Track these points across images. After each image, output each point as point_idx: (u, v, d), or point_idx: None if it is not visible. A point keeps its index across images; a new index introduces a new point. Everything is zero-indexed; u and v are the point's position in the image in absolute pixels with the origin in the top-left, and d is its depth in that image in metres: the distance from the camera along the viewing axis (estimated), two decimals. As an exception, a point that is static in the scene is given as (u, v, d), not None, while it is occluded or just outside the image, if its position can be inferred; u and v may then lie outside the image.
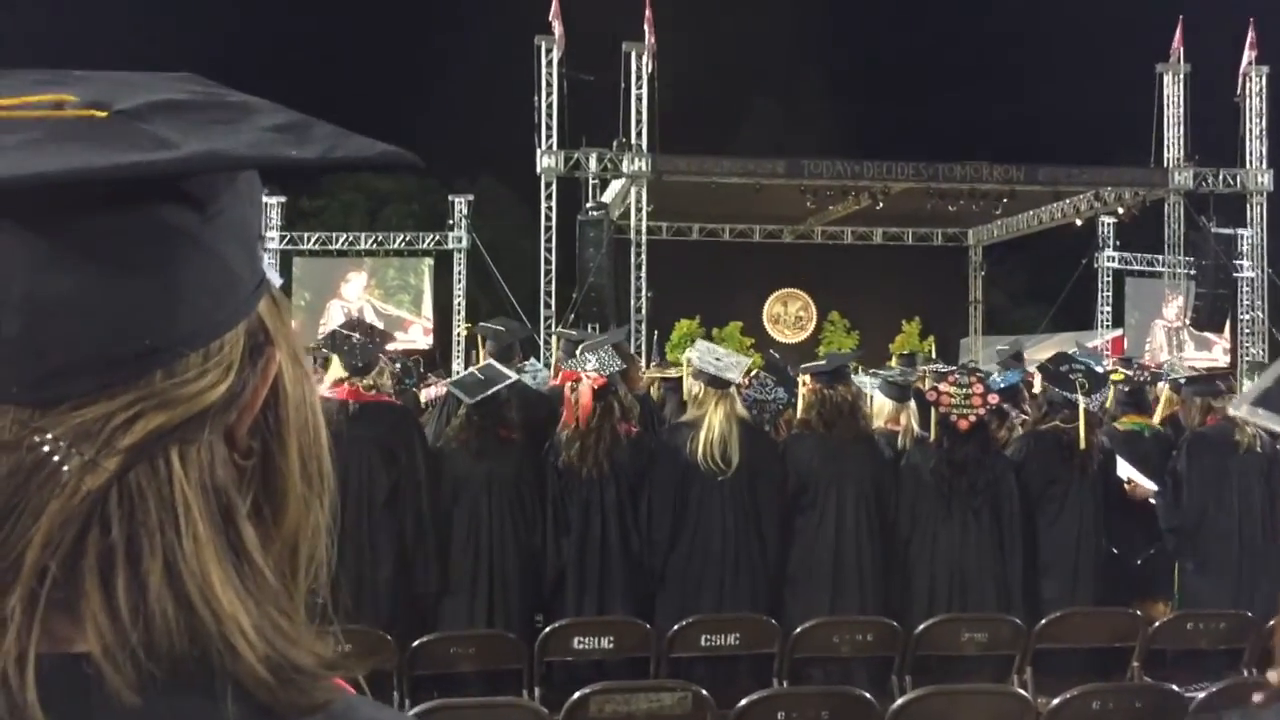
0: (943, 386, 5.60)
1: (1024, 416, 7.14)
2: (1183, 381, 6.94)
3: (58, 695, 0.65)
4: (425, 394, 8.79)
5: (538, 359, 13.57)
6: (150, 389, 0.68)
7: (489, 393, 5.38)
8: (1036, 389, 6.95)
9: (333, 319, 19.09)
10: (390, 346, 6.53)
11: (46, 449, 0.66)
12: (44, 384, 0.66)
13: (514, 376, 5.79)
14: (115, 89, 0.70)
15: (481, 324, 8.16)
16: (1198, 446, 6.02)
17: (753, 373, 6.71)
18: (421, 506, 5.43)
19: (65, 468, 0.66)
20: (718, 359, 5.48)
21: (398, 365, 7.62)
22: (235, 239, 0.72)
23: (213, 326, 0.70)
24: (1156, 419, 7.16)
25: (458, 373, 14.94)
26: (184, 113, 0.69)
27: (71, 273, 0.65)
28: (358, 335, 5.73)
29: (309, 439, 0.78)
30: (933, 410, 5.59)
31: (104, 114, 0.67)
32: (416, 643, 4.63)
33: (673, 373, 8.16)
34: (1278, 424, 1.04)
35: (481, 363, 6.05)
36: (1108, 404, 6.82)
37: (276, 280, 0.78)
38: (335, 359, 5.59)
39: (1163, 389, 7.93)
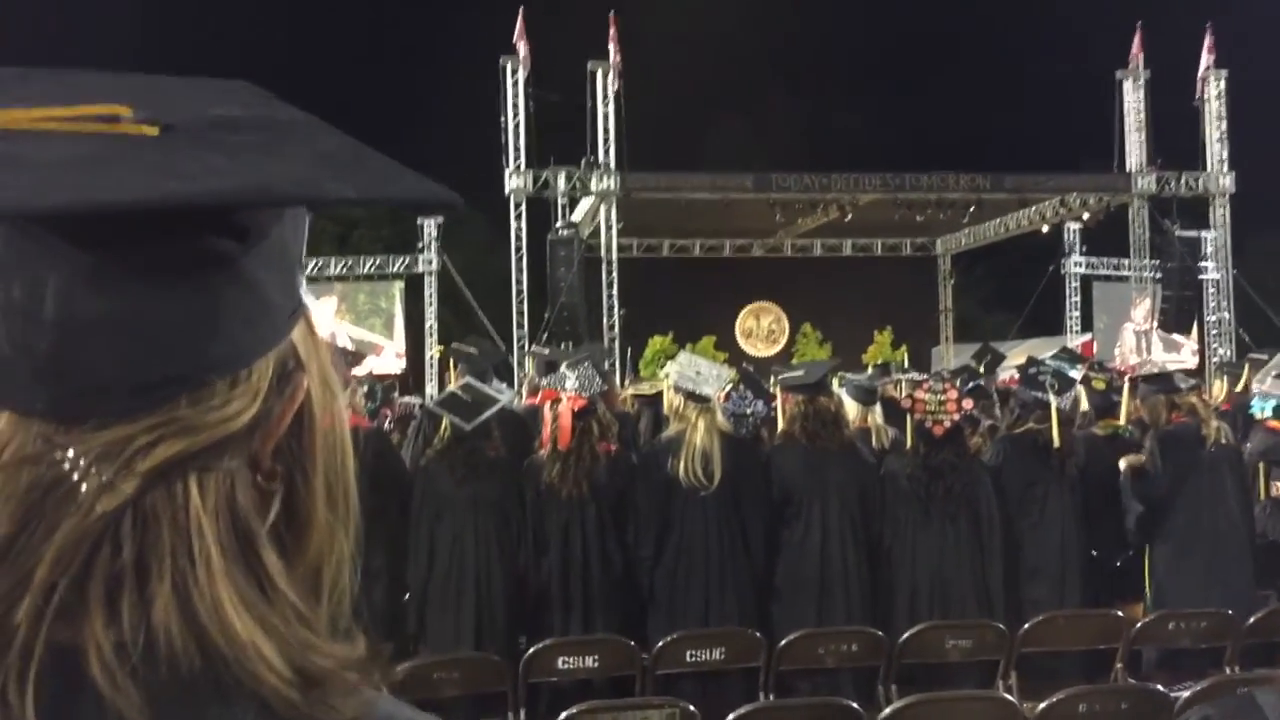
0: (918, 394, 5.63)
1: (991, 422, 7.18)
2: (1142, 380, 6.92)
3: (57, 713, 0.65)
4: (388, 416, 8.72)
5: (512, 380, 13.53)
6: (173, 414, 0.67)
7: (485, 417, 5.35)
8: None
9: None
10: (363, 371, 6.51)
11: (66, 466, 0.66)
12: (69, 402, 0.66)
13: (502, 399, 5.77)
14: (171, 101, 0.69)
15: (454, 345, 8.11)
16: (1167, 444, 6.04)
17: (727, 387, 6.71)
18: (408, 528, 5.42)
19: (83, 487, 0.66)
20: (698, 372, 5.46)
21: (364, 388, 7.59)
22: (275, 266, 0.71)
23: (243, 354, 0.70)
24: (1122, 420, 7.19)
25: (432, 396, 14.84)
26: (236, 133, 0.68)
27: (107, 294, 0.65)
28: (326, 357, 5.72)
29: (336, 465, 0.78)
30: (909, 417, 5.62)
31: (155, 130, 0.67)
32: (400, 667, 4.59)
33: (647, 389, 8.15)
34: None
35: (457, 382, 6.00)
36: (1082, 406, 6.85)
37: (313, 303, 0.78)
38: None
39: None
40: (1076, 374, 7.36)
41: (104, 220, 0.64)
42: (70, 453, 0.66)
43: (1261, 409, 6.70)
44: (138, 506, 0.66)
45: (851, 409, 6.58)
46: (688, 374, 5.48)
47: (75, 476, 0.66)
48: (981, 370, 9.82)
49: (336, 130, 0.73)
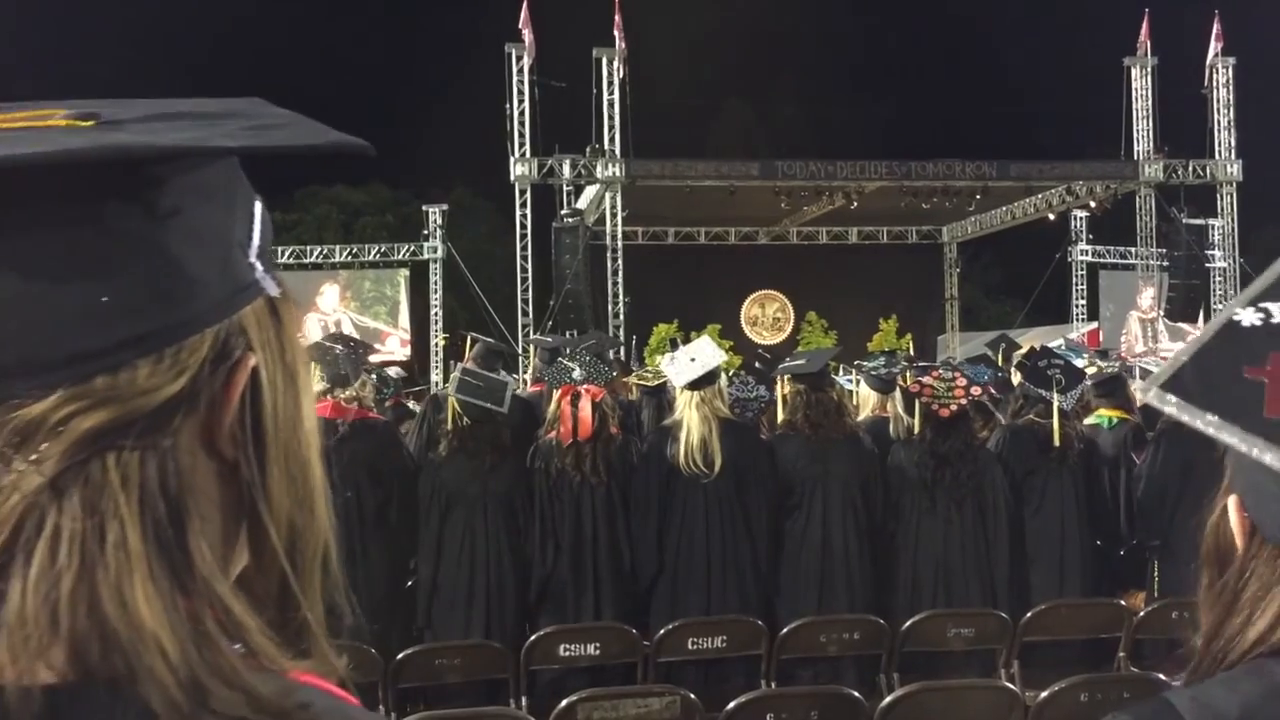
0: (925, 380, 5.63)
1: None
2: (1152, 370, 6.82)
3: None
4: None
5: (518, 370, 13.54)
6: (87, 389, 0.66)
7: (509, 396, 5.35)
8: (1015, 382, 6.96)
9: (309, 333, 19.03)
10: (370, 358, 6.51)
11: None
12: None
13: (508, 377, 5.79)
14: (124, 108, 0.69)
15: (475, 334, 8.25)
16: (1168, 436, 6.00)
17: (731, 371, 6.70)
18: (412, 522, 5.42)
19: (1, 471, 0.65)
20: (691, 358, 5.42)
21: (374, 377, 7.61)
22: (196, 242, 0.70)
23: (163, 331, 0.68)
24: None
25: (438, 384, 14.85)
26: (166, 120, 0.68)
27: (10, 273, 0.64)
28: (340, 347, 5.69)
29: (296, 454, 0.77)
30: (916, 401, 5.61)
31: (89, 123, 0.67)
32: (402, 655, 4.60)
33: (650, 378, 8.14)
34: (1185, 414, 0.87)
35: (460, 369, 5.98)
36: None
37: (274, 290, 0.76)
38: (315, 372, 5.57)
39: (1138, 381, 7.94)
40: (1083, 363, 7.34)
41: (7, 200, 0.64)
42: None
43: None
44: (55, 487, 0.65)
45: (870, 397, 6.61)
46: (682, 358, 5.46)
47: None
48: (1000, 360, 9.83)
49: (280, 111, 0.72)
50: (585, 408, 5.31)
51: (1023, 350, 9.48)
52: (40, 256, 0.65)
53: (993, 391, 6.95)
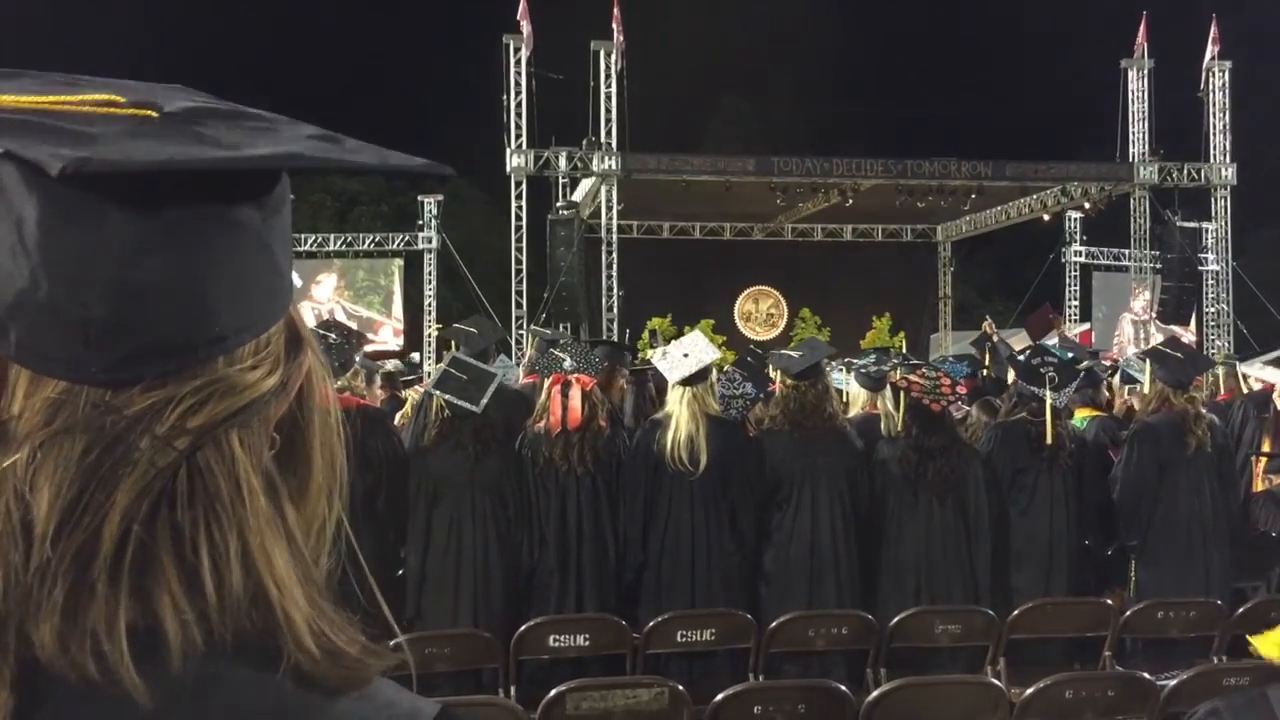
0: (913, 377, 5.65)
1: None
2: (1158, 359, 6.23)
3: (144, 662, 0.69)
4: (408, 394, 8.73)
5: (509, 356, 13.53)
6: (214, 374, 0.72)
7: (490, 392, 5.31)
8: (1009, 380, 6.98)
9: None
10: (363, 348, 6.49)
11: (122, 428, 0.69)
12: (123, 365, 0.70)
13: (498, 372, 5.76)
14: (146, 94, 0.73)
15: (454, 325, 8.12)
16: (1142, 435, 6.01)
17: (724, 368, 6.71)
18: (402, 510, 5.41)
19: (138, 446, 0.69)
20: (684, 354, 5.43)
21: (363, 369, 7.60)
22: (283, 240, 0.77)
23: (265, 319, 0.75)
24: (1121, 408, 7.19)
25: (428, 375, 14.80)
26: (221, 119, 0.73)
27: (157, 259, 0.69)
28: (334, 335, 5.69)
29: (330, 434, 0.83)
30: (903, 396, 5.62)
31: (155, 114, 0.71)
32: (390, 644, 4.59)
33: (637, 365, 8.14)
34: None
35: (445, 360, 5.94)
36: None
37: (297, 284, 0.82)
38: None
39: (1116, 381, 7.95)
40: (1081, 363, 7.34)
41: (157, 188, 0.68)
42: (124, 414, 0.69)
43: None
44: (191, 463, 0.71)
45: (861, 394, 6.63)
46: (675, 353, 5.47)
47: (131, 437, 0.69)
48: (984, 357, 9.88)
49: (300, 121, 0.77)
50: (575, 397, 5.32)
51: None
52: (183, 245, 0.70)
53: (986, 398, 6.96)
